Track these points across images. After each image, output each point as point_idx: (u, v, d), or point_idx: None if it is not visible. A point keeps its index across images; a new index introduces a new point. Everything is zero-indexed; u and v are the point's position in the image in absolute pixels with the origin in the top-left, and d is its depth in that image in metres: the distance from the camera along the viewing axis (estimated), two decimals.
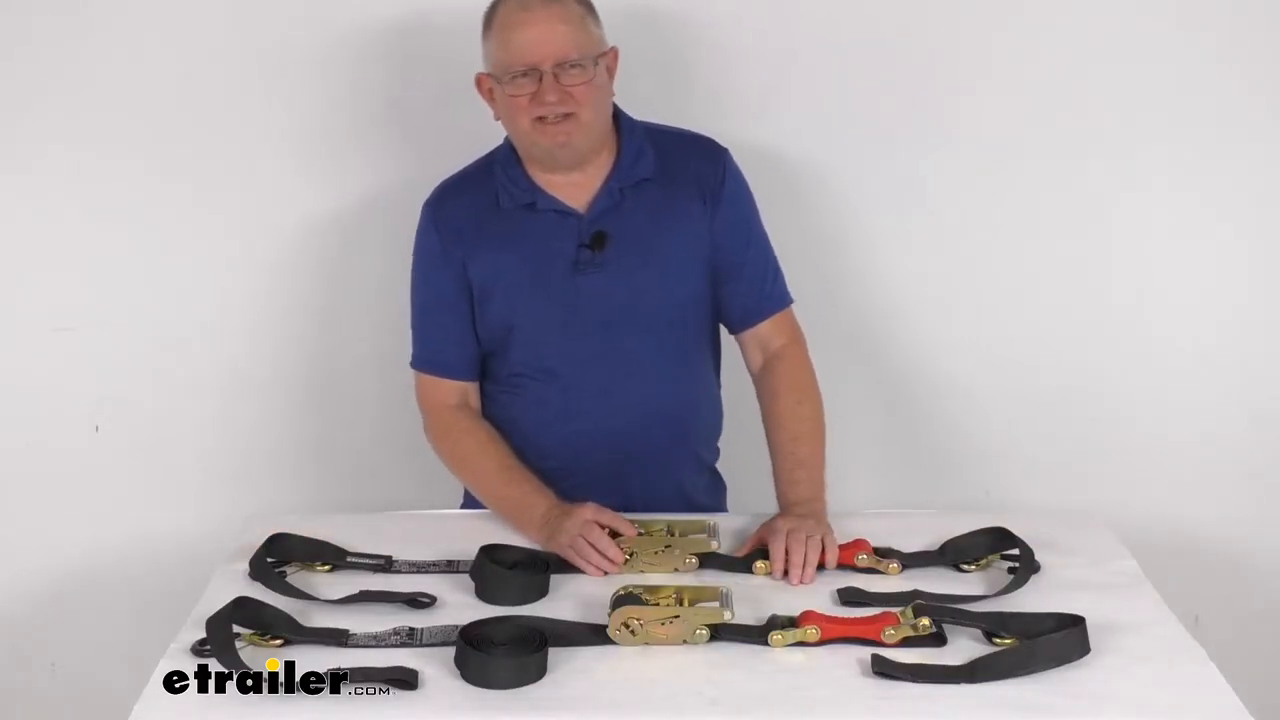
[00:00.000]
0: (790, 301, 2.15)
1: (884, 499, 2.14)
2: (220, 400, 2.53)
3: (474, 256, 2.06)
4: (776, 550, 1.87)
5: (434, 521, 2.09)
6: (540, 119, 1.96)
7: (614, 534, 1.89)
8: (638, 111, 2.11)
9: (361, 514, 2.16)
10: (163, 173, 2.42)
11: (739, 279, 2.10)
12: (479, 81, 2.04)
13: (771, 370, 2.12)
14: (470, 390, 2.14)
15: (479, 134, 2.12)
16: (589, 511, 1.91)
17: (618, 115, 2.08)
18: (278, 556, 1.89)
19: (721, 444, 2.24)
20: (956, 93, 2.41)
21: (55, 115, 2.39)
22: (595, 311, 2.05)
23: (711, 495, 2.23)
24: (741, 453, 2.23)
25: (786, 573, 1.86)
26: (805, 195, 2.44)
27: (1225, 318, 2.52)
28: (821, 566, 1.87)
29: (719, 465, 2.25)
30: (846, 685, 1.59)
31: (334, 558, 1.90)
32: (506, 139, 2.08)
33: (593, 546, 1.87)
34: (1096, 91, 2.41)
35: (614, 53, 2.03)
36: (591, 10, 2.00)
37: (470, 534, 1.94)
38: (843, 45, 2.38)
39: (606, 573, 1.87)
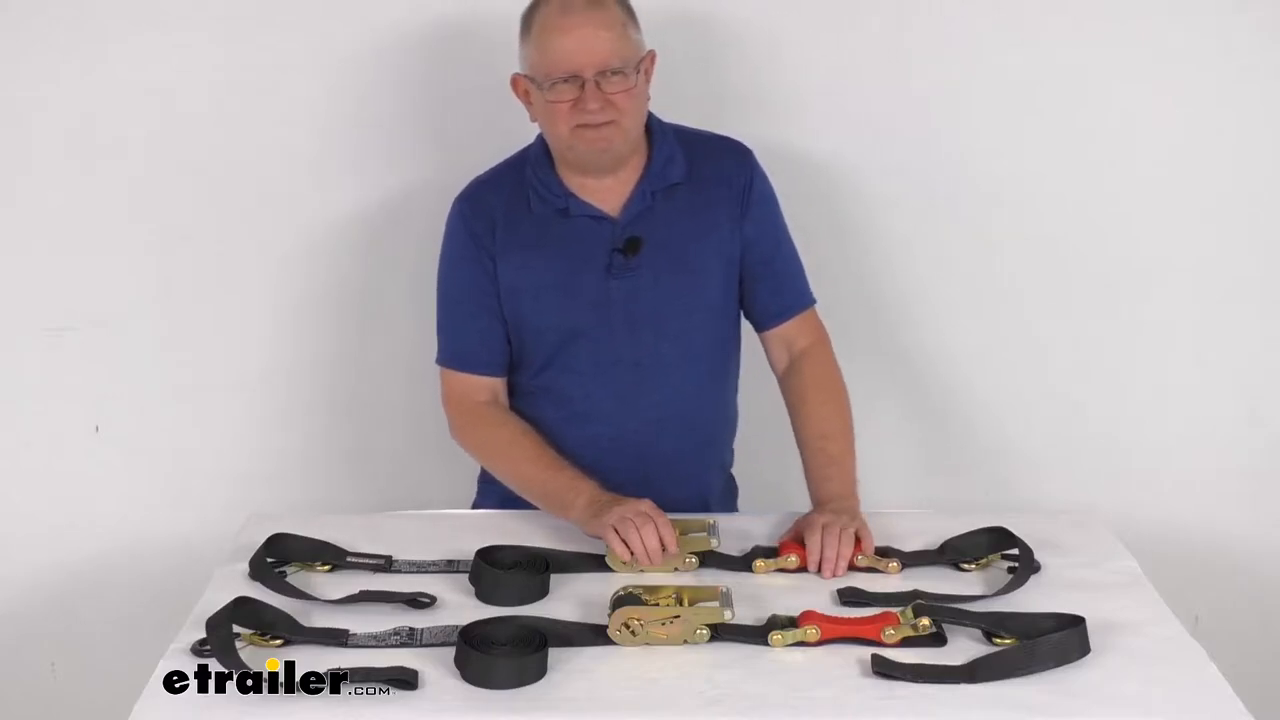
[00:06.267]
0: (813, 301, 2.15)
1: (884, 498, 2.14)
2: (220, 400, 2.53)
3: (504, 255, 2.05)
4: (813, 543, 1.87)
5: (434, 521, 2.08)
6: (581, 125, 1.95)
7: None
8: (665, 111, 2.09)
9: (361, 514, 2.16)
10: (164, 172, 2.42)
11: (767, 278, 2.10)
12: (514, 83, 2.02)
13: (798, 370, 2.12)
14: (499, 387, 2.11)
15: (495, 135, 2.11)
16: (646, 505, 1.89)
17: (649, 118, 2.06)
18: (278, 556, 1.88)
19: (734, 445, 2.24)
20: (971, 95, 2.41)
21: (56, 114, 2.39)
22: (624, 315, 2.04)
23: (725, 498, 2.23)
24: (751, 454, 2.24)
25: (820, 567, 1.86)
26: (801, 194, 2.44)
27: (1225, 318, 2.52)
28: (855, 567, 1.87)
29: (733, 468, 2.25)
30: (846, 685, 1.59)
31: (334, 558, 1.90)
32: (538, 138, 2.07)
33: (638, 532, 1.85)
34: (1096, 90, 2.42)
35: (651, 56, 2.01)
36: (632, 15, 1.99)
37: (470, 534, 1.94)
38: (857, 42, 2.39)
39: (635, 560, 1.85)
